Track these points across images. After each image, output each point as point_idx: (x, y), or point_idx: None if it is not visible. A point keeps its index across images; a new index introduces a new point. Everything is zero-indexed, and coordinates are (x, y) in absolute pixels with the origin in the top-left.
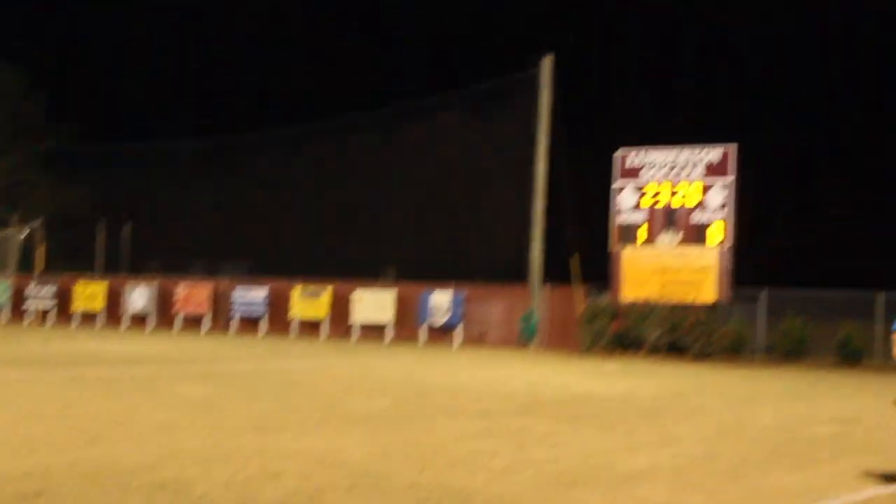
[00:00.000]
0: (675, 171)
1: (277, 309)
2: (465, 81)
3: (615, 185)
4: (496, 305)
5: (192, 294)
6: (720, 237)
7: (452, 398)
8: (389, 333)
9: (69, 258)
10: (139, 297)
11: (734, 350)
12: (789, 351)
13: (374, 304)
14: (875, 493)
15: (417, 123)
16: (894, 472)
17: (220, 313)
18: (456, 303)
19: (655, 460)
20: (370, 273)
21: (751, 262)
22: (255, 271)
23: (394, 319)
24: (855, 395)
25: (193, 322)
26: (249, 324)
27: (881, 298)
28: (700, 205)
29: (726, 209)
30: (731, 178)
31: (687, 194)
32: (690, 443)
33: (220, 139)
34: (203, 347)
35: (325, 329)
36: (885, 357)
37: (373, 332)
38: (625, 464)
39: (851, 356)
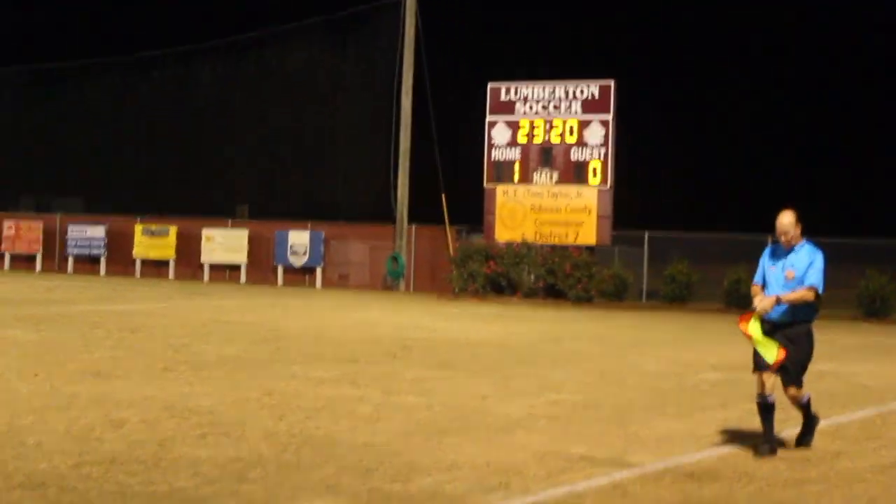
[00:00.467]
0: (552, 106)
1: (119, 248)
2: (324, 7)
3: (488, 119)
4: (359, 245)
5: (22, 231)
6: (600, 176)
7: (313, 343)
8: (243, 274)
9: None
10: None
11: (616, 294)
12: (674, 296)
13: (226, 243)
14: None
15: (272, 51)
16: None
17: (55, 252)
18: (315, 243)
19: (532, 408)
20: (222, 211)
21: (633, 203)
22: (91, 208)
23: (248, 260)
24: (743, 342)
25: (25, 261)
26: (88, 263)
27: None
28: (578, 142)
29: (606, 147)
30: (609, 115)
31: (564, 131)
32: (569, 390)
33: (49, 64)
34: (36, 288)
35: (172, 270)
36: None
37: (225, 273)
38: (500, 411)
39: (740, 302)
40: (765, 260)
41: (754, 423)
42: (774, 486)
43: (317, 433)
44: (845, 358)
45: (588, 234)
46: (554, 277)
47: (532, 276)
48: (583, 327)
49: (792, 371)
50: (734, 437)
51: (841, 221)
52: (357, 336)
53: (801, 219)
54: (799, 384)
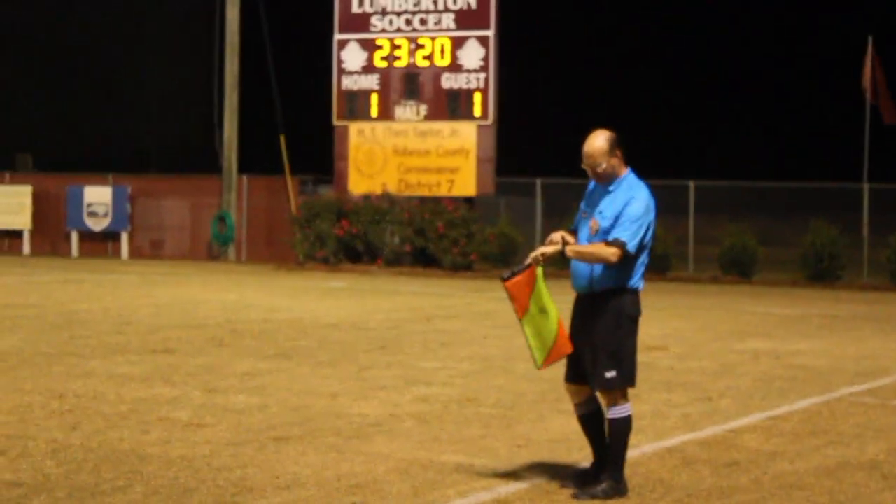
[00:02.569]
0: (417, 20)
1: None
2: None
3: (337, 38)
4: (176, 204)
5: None
6: (479, 109)
7: (117, 330)
8: (27, 243)
9: None
10: None
11: (502, 259)
12: None
13: (2, 203)
14: (682, 439)
15: None
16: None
17: None
18: (119, 201)
19: (396, 406)
20: None
21: (523, 143)
22: None
23: (32, 224)
24: (661, 316)
25: None
26: None
27: (692, 189)
28: (451, 66)
29: (486, 72)
30: (490, 31)
31: (434, 52)
32: (443, 382)
33: None
34: None
35: None
36: (696, 269)
37: (3, 242)
38: (355, 412)
39: (657, 264)
40: (583, 202)
41: (673, 416)
42: (696, 497)
43: (120, 446)
44: (785, 334)
45: (466, 183)
46: (424, 239)
47: (396, 239)
48: (460, 302)
49: (601, 362)
50: (647, 436)
51: (779, 163)
52: (173, 320)
53: (621, 144)
54: (610, 384)
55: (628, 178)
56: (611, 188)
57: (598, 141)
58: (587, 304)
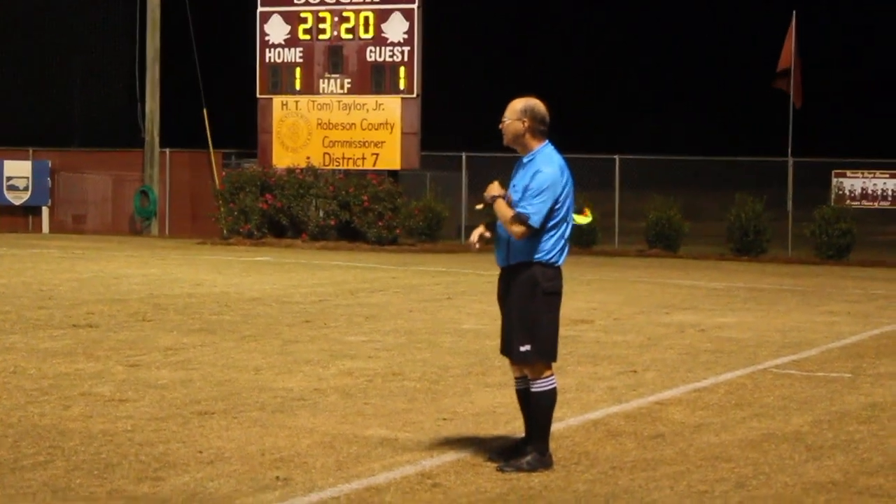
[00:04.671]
0: None
1: None
2: None
3: (260, 10)
4: (98, 178)
5: None
6: (404, 82)
7: (37, 304)
8: None
9: None
10: None
11: (427, 233)
12: None
13: None
14: (607, 411)
15: None
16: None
17: None
18: (39, 175)
19: (320, 380)
20: None
21: (448, 116)
22: None
23: None
24: (586, 289)
25: None
26: None
27: (618, 163)
28: (375, 39)
29: (411, 45)
30: (414, 3)
31: (357, 24)
32: (367, 356)
33: None
34: None
35: None
36: (623, 243)
37: None
38: (278, 386)
39: (583, 238)
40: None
41: (598, 389)
42: (620, 469)
43: (41, 422)
44: (710, 307)
45: (391, 157)
46: (349, 213)
47: (321, 212)
48: (385, 275)
49: (516, 336)
50: (572, 409)
51: (704, 137)
52: (96, 294)
53: (541, 120)
54: (525, 358)
55: (543, 150)
56: (525, 160)
57: (518, 102)
58: (506, 277)
